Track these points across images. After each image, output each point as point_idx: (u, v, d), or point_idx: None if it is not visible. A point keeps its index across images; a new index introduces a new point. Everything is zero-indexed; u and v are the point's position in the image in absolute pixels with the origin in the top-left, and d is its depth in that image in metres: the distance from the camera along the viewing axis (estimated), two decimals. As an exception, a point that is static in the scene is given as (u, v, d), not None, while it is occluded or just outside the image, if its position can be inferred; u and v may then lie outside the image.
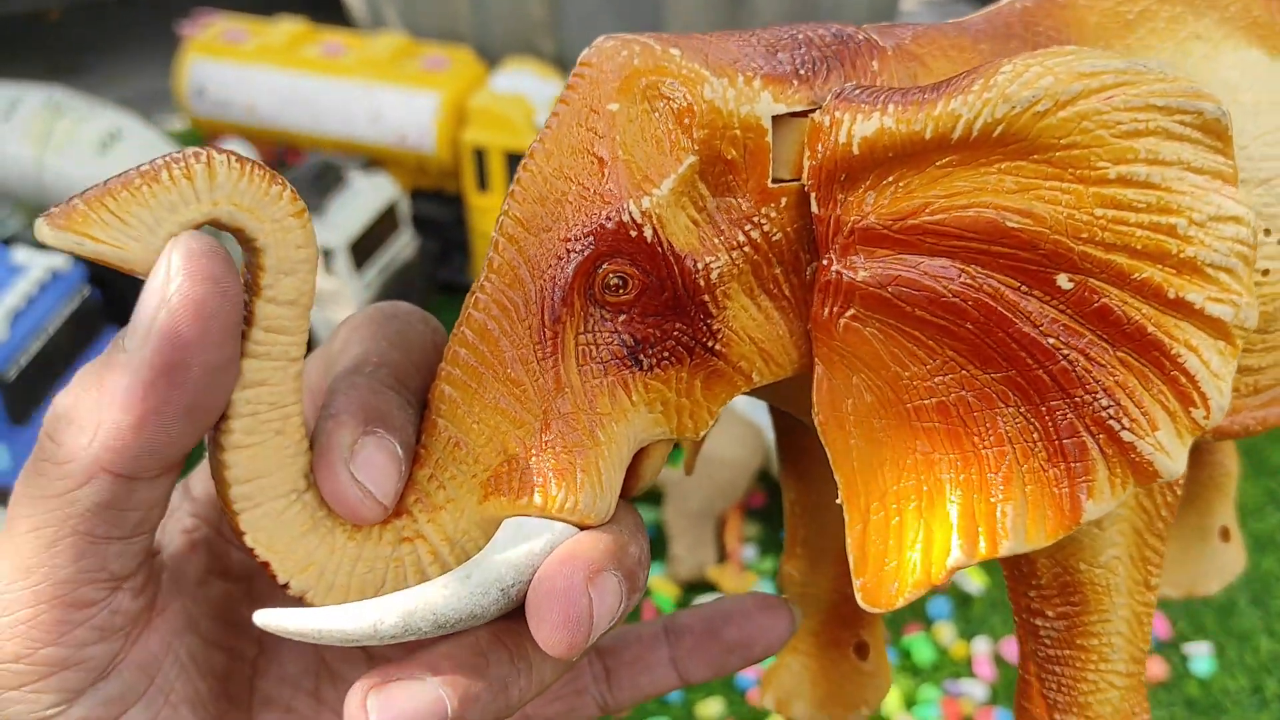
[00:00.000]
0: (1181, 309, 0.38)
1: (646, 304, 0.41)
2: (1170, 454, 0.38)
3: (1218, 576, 0.75)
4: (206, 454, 0.42)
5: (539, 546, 0.40)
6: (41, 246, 2.47)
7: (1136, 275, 0.38)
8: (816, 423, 0.43)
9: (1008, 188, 0.38)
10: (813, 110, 0.41)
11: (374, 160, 2.74)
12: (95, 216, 0.35)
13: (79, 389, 0.37)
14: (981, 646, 1.88)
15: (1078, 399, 0.39)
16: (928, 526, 0.40)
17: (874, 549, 0.42)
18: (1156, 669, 1.84)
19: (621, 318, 0.41)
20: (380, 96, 2.77)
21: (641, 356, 0.42)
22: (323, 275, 2.40)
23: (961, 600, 1.97)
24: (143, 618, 0.41)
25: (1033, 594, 0.49)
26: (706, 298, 0.41)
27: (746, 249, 0.42)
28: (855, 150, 0.40)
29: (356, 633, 0.39)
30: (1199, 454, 0.71)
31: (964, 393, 0.40)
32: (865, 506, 0.42)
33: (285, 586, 0.42)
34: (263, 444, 0.40)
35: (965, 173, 0.39)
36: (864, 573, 0.42)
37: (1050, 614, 0.49)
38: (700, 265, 0.41)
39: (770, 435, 1.54)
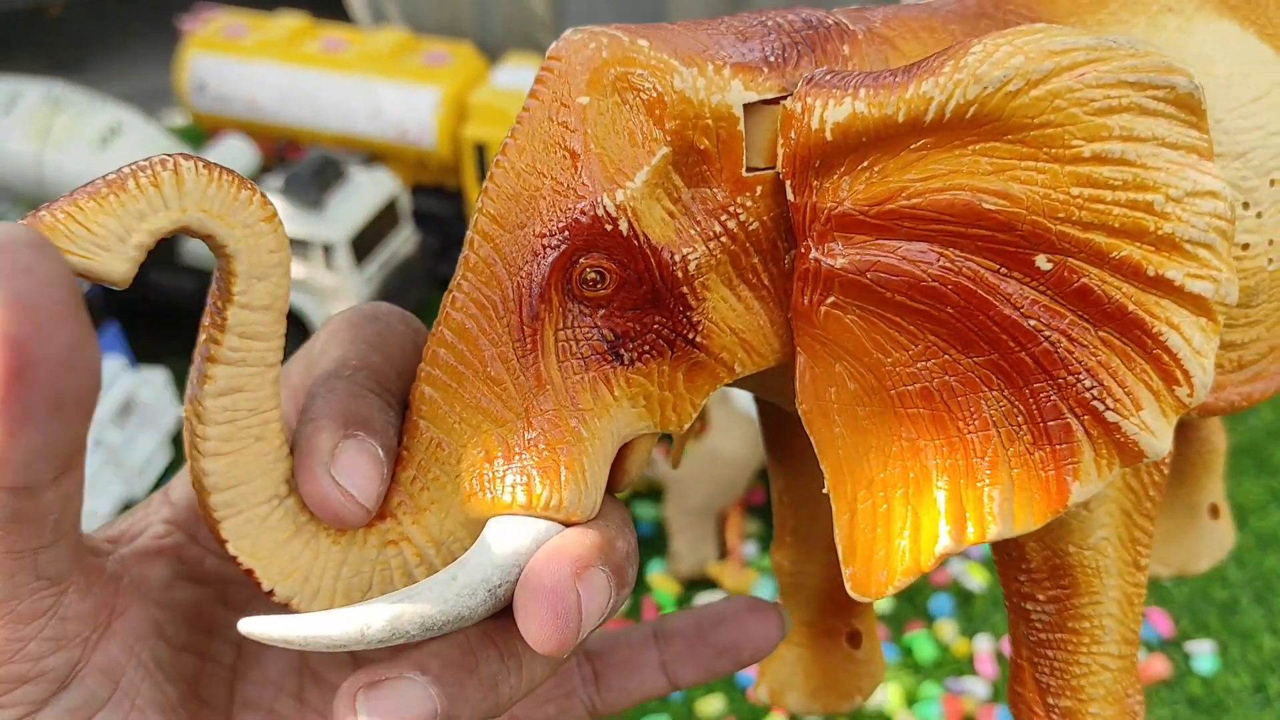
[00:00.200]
0: (1161, 286, 0.37)
1: (625, 298, 0.41)
2: (1155, 433, 0.38)
3: (1208, 554, 0.75)
4: (187, 460, 0.41)
5: (525, 545, 0.40)
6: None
7: (1115, 254, 0.37)
8: (800, 412, 0.43)
9: (983, 169, 0.38)
10: (784, 97, 0.41)
11: (374, 155, 2.73)
12: (63, 228, 0.34)
13: None
14: (983, 644, 1.87)
15: (1061, 380, 0.38)
16: (915, 513, 0.40)
17: (862, 538, 0.41)
18: (1159, 667, 1.84)
19: (600, 312, 0.41)
20: (381, 92, 2.77)
21: (622, 351, 0.41)
22: (323, 271, 2.39)
23: (963, 598, 1.97)
24: (98, 621, 0.40)
25: (1023, 578, 0.49)
26: (685, 290, 0.41)
27: (724, 239, 0.41)
28: (828, 136, 0.39)
29: (343, 638, 0.38)
30: (1185, 431, 0.70)
31: (947, 377, 0.40)
32: (852, 495, 0.42)
33: (270, 593, 0.41)
34: (242, 450, 0.40)
35: (940, 155, 0.38)
36: (853, 562, 0.41)
37: (1041, 598, 0.49)
38: (678, 257, 0.41)
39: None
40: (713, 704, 1.76)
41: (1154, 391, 0.38)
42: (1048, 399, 0.38)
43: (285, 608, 0.42)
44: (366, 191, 2.48)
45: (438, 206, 2.82)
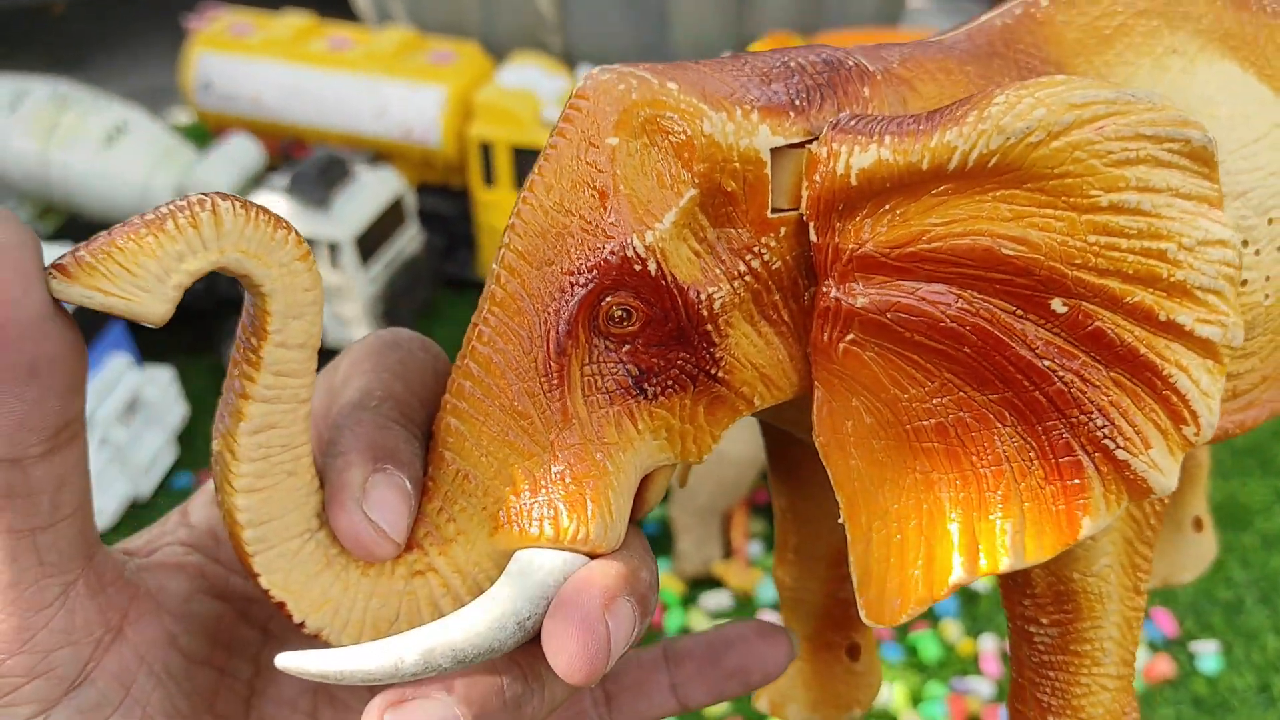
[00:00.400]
0: (1172, 330, 0.39)
1: (651, 335, 0.42)
2: (1163, 470, 0.39)
3: (1192, 566, 0.76)
4: (215, 491, 0.42)
5: (553, 579, 0.41)
6: (48, 239, 2.48)
7: (1129, 299, 0.39)
8: (818, 444, 0.44)
9: (1003, 215, 0.39)
10: (809, 141, 0.42)
11: (380, 155, 2.74)
12: (103, 269, 0.34)
13: None
14: (988, 644, 1.88)
15: (1073, 419, 0.40)
16: (929, 545, 0.41)
17: (876, 567, 0.42)
18: (1164, 667, 1.84)
19: (625, 348, 0.42)
20: (386, 91, 2.77)
21: (646, 385, 0.42)
22: (329, 270, 2.39)
23: (968, 597, 1.97)
24: (110, 622, 0.40)
25: (1027, 602, 0.50)
26: (710, 327, 0.42)
27: (747, 278, 0.42)
28: (853, 181, 0.40)
29: (378, 672, 0.39)
30: None
31: (962, 414, 0.41)
32: (867, 525, 0.43)
33: (301, 625, 0.42)
34: (275, 486, 0.40)
35: (961, 201, 0.40)
36: (867, 590, 0.43)
37: (1044, 621, 0.50)
38: (703, 296, 0.41)
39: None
40: (718, 706, 1.77)
41: (1162, 430, 0.39)
42: (1060, 436, 0.40)
43: (316, 639, 0.42)
44: (372, 190, 2.48)
45: (443, 205, 2.83)
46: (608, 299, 0.41)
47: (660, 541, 2.04)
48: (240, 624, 0.46)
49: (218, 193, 0.36)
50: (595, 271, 0.40)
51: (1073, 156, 0.38)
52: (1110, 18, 0.48)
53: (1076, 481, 0.40)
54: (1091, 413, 0.39)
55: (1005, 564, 0.40)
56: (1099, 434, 0.39)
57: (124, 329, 2.27)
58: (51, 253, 0.34)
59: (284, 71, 2.85)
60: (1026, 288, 0.39)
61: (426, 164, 2.80)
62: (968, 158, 0.39)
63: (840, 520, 0.44)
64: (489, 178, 2.67)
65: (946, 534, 0.41)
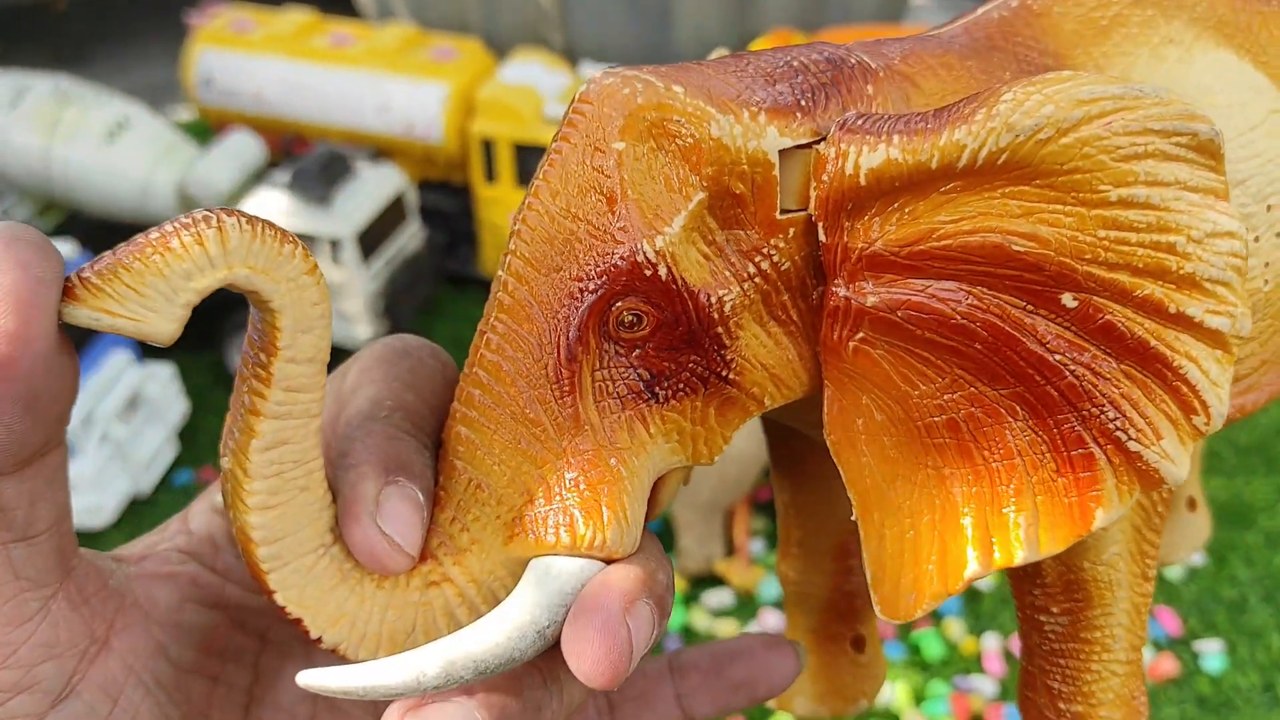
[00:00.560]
0: (1182, 322, 0.39)
1: (661, 339, 0.42)
2: (1175, 460, 0.40)
3: (1185, 545, 0.78)
4: (223, 500, 0.41)
5: (571, 586, 0.41)
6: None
7: (1139, 292, 0.39)
8: (829, 442, 0.44)
9: (1012, 212, 0.39)
10: (816, 141, 0.42)
11: (381, 151, 2.73)
12: (110, 291, 0.34)
13: None
14: (991, 642, 1.87)
15: (1085, 412, 0.40)
16: (942, 539, 0.42)
17: (890, 563, 0.43)
18: (1168, 666, 1.83)
19: (636, 353, 0.42)
20: (388, 87, 2.76)
21: (657, 389, 0.42)
22: (330, 266, 2.39)
23: (971, 596, 1.96)
24: (95, 634, 0.40)
25: (1037, 592, 0.51)
26: (720, 329, 0.42)
27: (757, 279, 0.42)
28: (862, 181, 0.40)
29: (401, 686, 0.39)
30: None
31: (974, 409, 0.41)
32: (880, 522, 0.43)
33: (318, 641, 0.42)
34: (289, 503, 0.40)
35: (970, 198, 0.40)
36: (881, 586, 0.43)
37: (1055, 610, 0.51)
38: (714, 299, 0.42)
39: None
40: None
41: (1173, 421, 0.40)
42: (1071, 429, 0.40)
43: (333, 655, 0.42)
44: (373, 187, 2.48)
45: (445, 202, 2.82)
46: (618, 304, 0.41)
47: (662, 539, 2.04)
48: (236, 632, 0.45)
49: (222, 209, 0.36)
50: (605, 277, 0.40)
51: (1081, 152, 0.38)
52: (1106, 8, 0.48)
53: (1089, 473, 0.40)
54: (1103, 405, 0.40)
55: (1020, 556, 0.40)
56: (1111, 426, 0.40)
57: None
58: (58, 246, 0.34)
59: (285, 67, 2.85)
60: (1037, 283, 0.40)
61: (428, 160, 2.80)
62: (977, 155, 0.39)
63: (852, 517, 0.44)
64: (491, 174, 2.67)
65: (960, 528, 0.41)
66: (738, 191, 0.41)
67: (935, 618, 1.92)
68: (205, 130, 3.09)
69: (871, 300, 0.41)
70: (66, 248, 2.03)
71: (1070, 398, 0.40)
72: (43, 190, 2.68)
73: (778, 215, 0.42)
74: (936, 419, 0.42)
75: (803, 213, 0.42)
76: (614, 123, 0.41)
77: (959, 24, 0.49)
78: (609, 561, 0.41)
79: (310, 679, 0.39)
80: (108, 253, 0.34)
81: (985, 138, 0.39)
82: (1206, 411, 0.40)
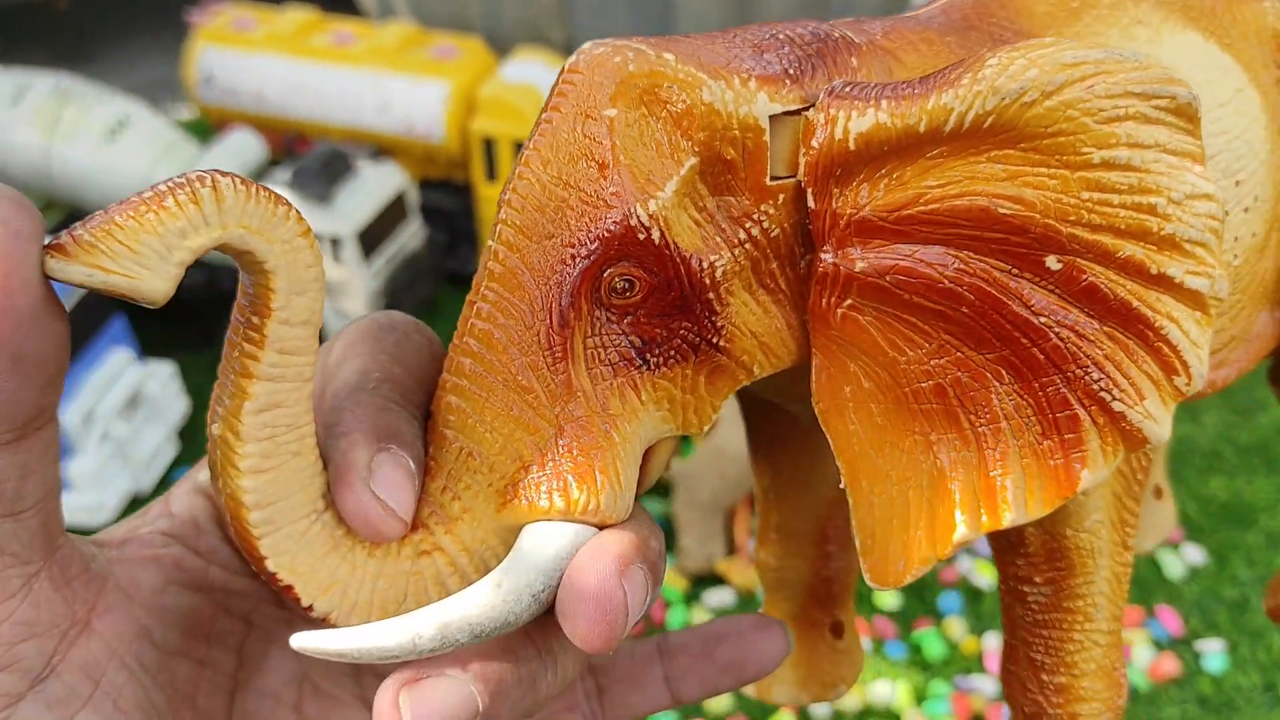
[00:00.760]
0: (1163, 283, 0.40)
1: (653, 305, 0.42)
2: (1158, 420, 0.41)
3: (1153, 532, 0.79)
4: (211, 469, 0.41)
5: (565, 550, 0.40)
6: (50, 234, 2.46)
7: (1121, 253, 0.40)
8: (817, 410, 0.44)
9: (998, 175, 0.40)
10: (805, 108, 0.42)
11: (382, 149, 2.73)
12: (103, 248, 0.34)
13: None
14: (992, 642, 1.87)
15: (1070, 374, 0.41)
16: (930, 505, 0.42)
17: (879, 530, 0.43)
18: (1169, 666, 1.83)
19: (628, 319, 0.42)
20: (389, 85, 2.76)
21: (649, 356, 0.42)
22: (331, 264, 2.39)
23: (972, 595, 1.96)
24: (76, 615, 0.40)
25: (1020, 562, 0.52)
26: (711, 295, 0.42)
27: (747, 245, 0.43)
28: (851, 145, 0.41)
29: (396, 648, 0.39)
30: None
31: (960, 374, 0.42)
32: (869, 489, 0.44)
33: (309, 609, 0.41)
34: (281, 467, 0.40)
35: (956, 163, 0.41)
36: (871, 553, 0.43)
37: (1038, 580, 0.52)
38: (705, 264, 0.42)
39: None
40: (720, 701, 1.76)
41: (1155, 381, 0.41)
42: (1056, 392, 0.41)
43: (324, 623, 0.42)
44: (374, 185, 2.48)
45: (446, 201, 2.82)
46: (610, 270, 0.41)
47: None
48: (221, 615, 0.45)
49: (216, 170, 0.35)
50: (598, 243, 0.40)
51: (1065, 115, 0.39)
52: None
53: (1074, 435, 0.41)
54: (1087, 366, 0.40)
55: (1008, 519, 0.41)
56: (1095, 387, 0.40)
57: (125, 324, 2.27)
58: None
59: (286, 66, 2.85)
60: (1022, 246, 0.40)
61: (429, 159, 2.80)
62: (964, 119, 0.39)
63: (841, 485, 0.44)
64: (492, 173, 2.67)
65: (948, 493, 0.42)
66: (729, 157, 0.42)
67: (936, 617, 1.92)
68: (206, 129, 3.08)
69: (860, 266, 0.42)
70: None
71: (1055, 360, 0.40)
72: (43, 188, 2.68)
73: (768, 181, 0.42)
74: (924, 385, 0.42)
75: (792, 179, 0.42)
76: (605, 90, 0.41)
77: (936, 6, 0.50)
78: (602, 527, 0.41)
79: (304, 641, 0.39)
80: (99, 211, 0.34)
81: (972, 101, 0.39)
82: (1187, 371, 0.40)
